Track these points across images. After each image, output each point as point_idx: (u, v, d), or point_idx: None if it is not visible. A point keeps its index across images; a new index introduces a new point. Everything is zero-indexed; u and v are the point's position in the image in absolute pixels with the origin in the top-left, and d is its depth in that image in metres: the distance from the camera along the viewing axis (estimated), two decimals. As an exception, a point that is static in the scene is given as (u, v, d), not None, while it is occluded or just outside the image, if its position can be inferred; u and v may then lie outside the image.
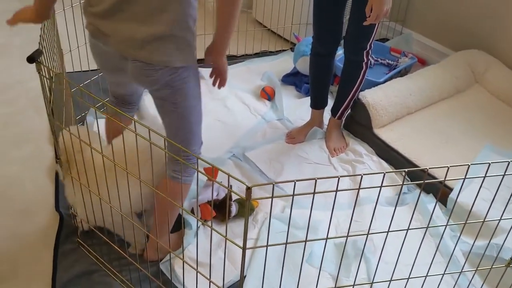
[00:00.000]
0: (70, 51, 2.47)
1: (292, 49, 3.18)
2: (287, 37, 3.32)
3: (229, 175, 1.08)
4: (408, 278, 1.37)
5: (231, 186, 1.14)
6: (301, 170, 2.27)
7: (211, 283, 1.34)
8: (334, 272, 1.79)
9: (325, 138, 2.45)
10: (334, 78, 2.85)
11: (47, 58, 1.66)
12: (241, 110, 2.68)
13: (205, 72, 2.91)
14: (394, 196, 2.15)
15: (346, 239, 1.22)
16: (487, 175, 1.17)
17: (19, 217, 2.00)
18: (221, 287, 1.36)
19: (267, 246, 1.16)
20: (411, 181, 2.17)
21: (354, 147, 2.40)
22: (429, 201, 2.08)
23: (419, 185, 2.16)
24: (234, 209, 1.96)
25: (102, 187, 1.50)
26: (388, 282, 1.35)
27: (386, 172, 1.14)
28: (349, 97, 2.31)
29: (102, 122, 2.39)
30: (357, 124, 2.45)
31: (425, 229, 1.28)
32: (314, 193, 1.07)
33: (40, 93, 1.61)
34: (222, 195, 1.98)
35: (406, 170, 1.11)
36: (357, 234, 1.22)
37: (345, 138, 2.46)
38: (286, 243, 1.18)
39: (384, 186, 1.11)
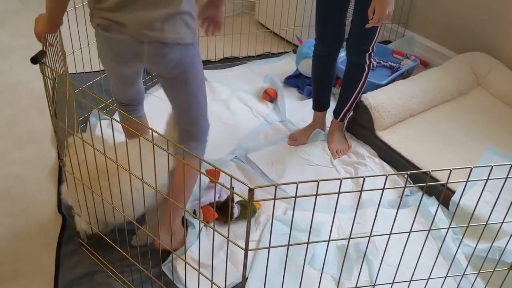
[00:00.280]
0: (73, 52, 2.47)
1: (294, 51, 3.18)
2: (290, 39, 3.32)
3: (231, 177, 1.08)
4: (410, 281, 1.37)
5: (233, 188, 1.14)
6: (303, 172, 2.27)
7: (213, 284, 1.34)
8: (336, 275, 1.79)
9: (327, 140, 2.45)
10: (337, 80, 2.85)
11: (50, 59, 1.67)
12: (243, 112, 2.68)
13: (207, 74, 2.93)
14: (397, 198, 2.15)
15: (348, 241, 1.22)
16: (489, 177, 1.17)
17: (22, 217, 2.00)
18: (223, 288, 1.36)
19: (269, 247, 1.16)
20: (414, 183, 2.17)
21: (356, 149, 2.39)
22: (431, 204, 2.08)
23: (421, 188, 2.15)
24: (236, 211, 1.96)
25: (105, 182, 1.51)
26: (390, 284, 1.35)
27: (389, 175, 1.14)
28: (352, 99, 2.31)
29: (104, 123, 2.39)
30: (360, 126, 2.45)
31: (427, 231, 1.28)
32: (316, 195, 1.07)
33: (43, 93, 1.61)
34: (224, 197, 1.98)
35: (408, 172, 1.11)
36: (359, 237, 1.22)
37: (347, 140, 2.45)
38: (288, 245, 1.18)
39: (386, 189, 1.11)
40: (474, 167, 1.14)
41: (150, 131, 1.21)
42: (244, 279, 1.22)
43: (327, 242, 1.20)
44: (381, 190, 1.11)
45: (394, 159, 2.29)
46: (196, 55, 1.60)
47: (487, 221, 1.30)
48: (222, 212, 1.93)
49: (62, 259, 1.81)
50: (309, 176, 2.25)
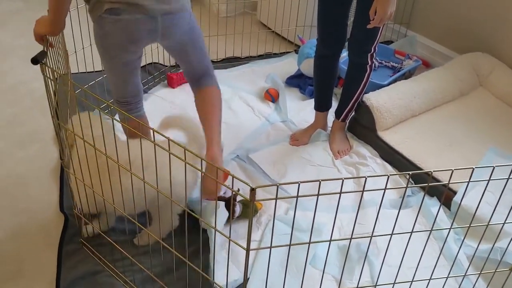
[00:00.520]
0: (75, 52, 2.48)
1: (296, 51, 3.18)
2: (291, 39, 3.32)
3: (233, 177, 1.08)
4: (411, 281, 1.37)
5: (238, 189, 1.14)
6: (305, 172, 2.27)
7: (214, 284, 1.34)
8: (338, 275, 1.79)
9: (329, 140, 2.44)
10: (338, 81, 2.85)
11: (51, 59, 1.67)
12: (245, 112, 2.68)
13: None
14: (398, 198, 2.15)
15: (350, 241, 1.22)
16: (491, 178, 1.17)
17: (23, 217, 2.00)
18: (224, 288, 1.36)
19: (270, 247, 1.16)
20: (415, 183, 2.16)
21: (358, 149, 2.39)
22: (433, 204, 2.08)
23: (423, 188, 2.15)
24: (238, 209, 1.96)
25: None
26: (392, 285, 1.35)
27: (390, 175, 1.14)
28: (353, 99, 2.31)
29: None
30: (361, 127, 2.45)
31: (429, 232, 1.28)
32: (318, 195, 1.07)
33: (45, 93, 1.61)
34: (229, 193, 1.99)
35: (410, 173, 1.11)
36: (361, 237, 1.22)
37: (349, 140, 2.45)
38: (290, 245, 1.18)
39: (388, 189, 1.11)
40: (475, 167, 1.14)
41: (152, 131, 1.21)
42: (246, 279, 1.22)
43: (329, 242, 1.20)
44: (383, 191, 1.11)
45: (396, 160, 2.28)
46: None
47: (488, 222, 1.30)
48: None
49: (63, 259, 1.81)
50: (310, 176, 2.25)
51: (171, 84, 2.83)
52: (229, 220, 1.94)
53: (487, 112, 2.55)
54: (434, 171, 1.17)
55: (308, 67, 2.77)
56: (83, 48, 2.52)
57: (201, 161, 1.14)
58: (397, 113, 2.36)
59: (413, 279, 1.36)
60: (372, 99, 2.34)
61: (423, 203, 1.99)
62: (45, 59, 1.48)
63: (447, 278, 1.41)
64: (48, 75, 1.49)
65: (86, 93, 1.34)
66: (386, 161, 2.33)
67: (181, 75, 2.85)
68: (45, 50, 1.57)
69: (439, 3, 3.09)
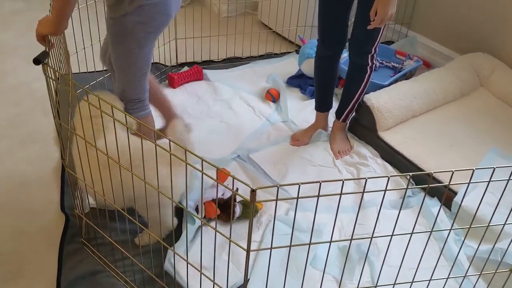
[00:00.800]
0: (77, 52, 2.48)
1: (297, 52, 3.18)
2: (292, 39, 3.32)
3: (233, 178, 1.08)
4: (412, 282, 1.37)
5: (237, 189, 1.14)
6: (306, 172, 2.27)
7: (215, 285, 1.35)
8: (338, 275, 1.79)
9: (329, 140, 2.45)
10: (339, 81, 2.85)
11: (53, 60, 1.67)
12: (246, 112, 2.69)
13: (210, 73, 2.93)
14: (399, 199, 2.15)
15: (350, 242, 1.22)
16: (492, 179, 1.17)
17: (24, 216, 2.01)
18: (225, 289, 1.36)
19: (271, 248, 1.17)
20: (416, 184, 2.16)
21: (359, 149, 2.39)
22: (433, 205, 2.08)
23: (423, 189, 2.15)
24: (238, 210, 1.96)
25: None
26: (392, 285, 1.35)
27: (391, 176, 1.14)
28: (354, 100, 2.31)
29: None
30: (362, 127, 2.45)
31: (429, 233, 1.28)
32: (318, 196, 1.07)
33: (46, 93, 1.62)
34: (228, 194, 1.99)
35: (410, 174, 1.11)
36: (361, 238, 1.22)
37: (349, 140, 2.45)
38: (290, 246, 1.18)
39: (388, 190, 1.11)
40: (476, 168, 1.14)
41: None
42: (246, 280, 1.22)
43: (329, 243, 1.20)
44: (383, 191, 1.11)
45: (396, 160, 2.29)
46: None
47: (489, 223, 1.30)
48: (224, 210, 1.93)
49: (64, 259, 1.81)
50: (311, 176, 2.25)
51: (172, 84, 2.83)
52: (227, 220, 1.94)
53: (488, 112, 2.54)
54: (434, 172, 1.18)
55: (309, 67, 2.77)
56: (84, 48, 2.52)
57: (202, 162, 1.14)
58: (397, 113, 2.36)
59: (413, 279, 1.36)
60: (373, 99, 2.34)
61: (423, 204, 1.99)
62: (47, 59, 1.48)
63: (447, 278, 1.41)
64: (49, 75, 1.49)
65: (87, 93, 1.34)
66: (387, 161, 2.33)
67: (182, 75, 2.86)
68: (47, 50, 1.57)
69: (440, 4, 3.09)
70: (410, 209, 2.08)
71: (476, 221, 1.76)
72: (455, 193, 2.02)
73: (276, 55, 3.24)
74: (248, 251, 1.14)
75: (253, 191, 1.03)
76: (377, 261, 1.82)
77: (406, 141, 2.31)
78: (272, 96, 2.77)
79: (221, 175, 1.77)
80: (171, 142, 1.21)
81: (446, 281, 1.43)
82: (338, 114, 2.40)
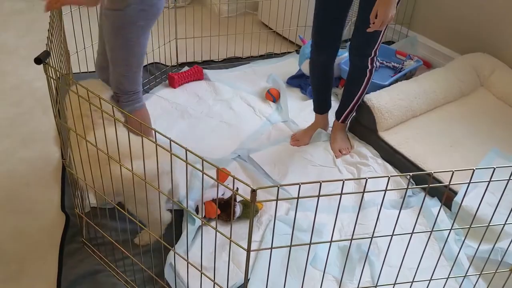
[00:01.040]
0: (77, 52, 2.48)
1: (297, 52, 3.18)
2: (293, 39, 3.33)
3: (234, 177, 1.09)
4: (412, 282, 1.37)
5: (237, 188, 1.14)
6: (306, 172, 2.27)
7: (215, 285, 1.35)
8: (338, 275, 1.79)
9: (330, 140, 2.45)
10: (340, 81, 2.85)
11: (54, 59, 1.68)
12: (246, 112, 2.69)
13: (210, 73, 2.93)
14: (399, 199, 2.15)
15: (350, 242, 1.22)
16: (492, 179, 1.17)
17: (25, 216, 2.01)
18: (225, 288, 1.36)
19: (271, 248, 1.17)
20: (416, 184, 2.17)
21: (359, 149, 2.39)
22: (433, 205, 2.08)
23: (424, 189, 2.15)
24: (238, 209, 1.96)
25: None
26: (392, 285, 1.35)
27: (391, 176, 1.14)
28: (354, 101, 2.30)
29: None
30: (362, 127, 2.45)
31: (430, 232, 1.28)
32: (318, 196, 1.08)
33: (47, 93, 1.62)
34: (228, 194, 1.99)
35: (411, 174, 1.11)
36: (361, 237, 1.22)
37: (350, 140, 2.45)
38: (291, 246, 1.18)
39: (388, 190, 1.11)
40: (476, 168, 1.14)
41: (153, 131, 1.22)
42: (246, 279, 1.22)
43: (329, 243, 1.20)
44: (384, 191, 1.11)
45: (397, 160, 2.29)
46: None
47: (489, 223, 1.30)
48: (224, 209, 1.93)
49: (65, 258, 1.82)
50: (311, 176, 2.25)
51: (172, 84, 2.83)
52: (227, 220, 1.94)
53: (488, 112, 2.55)
54: (435, 172, 1.18)
55: (309, 68, 2.77)
56: (84, 48, 2.52)
57: (202, 162, 1.15)
58: (398, 113, 2.37)
59: (413, 279, 1.36)
60: (373, 99, 2.34)
61: (423, 204, 2.00)
62: (48, 59, 1.48)
63: (447, 278, 1.41)
64: (50, 75, 1.49)
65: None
66: (387, 161, 2.33)
67: (182, 75, 2.86)
68: (48, 49, 1.57)
69: (440, 4, 3.09)
70: (410, 209, 2.08)
71: (476, 221, 1.76)
72: (455, 193, 2.02)
73: (276, 55, 3.24)
74: (248, 251, 1.14)
75: (253, 191, 1.03)
76: (377, 261, 1.82)
77: (406, 141, 2.31)
78: (272, 96, 2.77)
79: (221, 175, 1.78)
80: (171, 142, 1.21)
81: (446, 281, 1.43)
82: (338, 115, 2.40)
